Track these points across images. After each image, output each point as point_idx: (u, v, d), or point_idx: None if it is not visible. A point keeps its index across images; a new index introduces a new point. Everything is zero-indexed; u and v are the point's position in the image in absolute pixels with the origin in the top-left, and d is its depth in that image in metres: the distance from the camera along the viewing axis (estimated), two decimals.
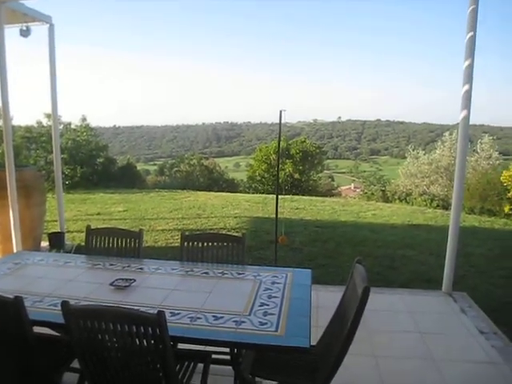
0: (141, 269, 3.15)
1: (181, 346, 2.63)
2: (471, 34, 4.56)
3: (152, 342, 2.00)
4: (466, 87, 4.62)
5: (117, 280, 2.79)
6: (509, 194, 13.45)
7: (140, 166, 36.46)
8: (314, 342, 2.71)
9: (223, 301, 2.56)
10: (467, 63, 4.60)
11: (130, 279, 2.82)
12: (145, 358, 2.08)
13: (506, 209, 13.33)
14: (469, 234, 8.78)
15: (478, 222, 11.14)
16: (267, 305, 2.46)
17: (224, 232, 7.94)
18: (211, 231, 8.13)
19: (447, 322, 4.35)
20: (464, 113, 4.68)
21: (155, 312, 1.95)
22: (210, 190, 18.55)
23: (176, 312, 2.34)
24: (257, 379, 2.69)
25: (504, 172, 13.86)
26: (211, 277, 2.96)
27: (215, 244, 3.49)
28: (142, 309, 2.26)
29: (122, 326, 2.00)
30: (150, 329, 1.98)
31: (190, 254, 3.48)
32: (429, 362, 3.54)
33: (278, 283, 2.80)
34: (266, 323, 2.23)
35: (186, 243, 3.50)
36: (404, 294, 5.05)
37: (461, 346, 3.86)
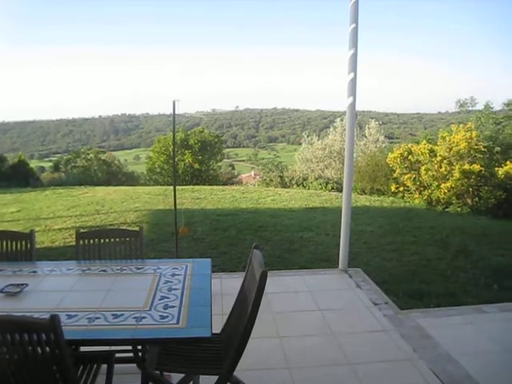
0: (34, 272, 2.95)
1: (84, 348, 2.53)
2: (353, 25, 4.83)
3: (47, 348, 1.90)
4: (351, 75, 4.89)
5: (7, 286, 2.60)
6: (394, 175, 14.51)
7: (34, 163, 34.32)
8: (219, 330, 2.75)
9: (122, 298, 2.49)
10: (351, 53, 4.87)
11: (22, 284, 2.64)
12: (41, 366, 1.97)
13: (393, 188, 14.38)
14: (361, 213, 9.38)
15: (368, 202, 11.92)
16: (168, 298, 2.44)
17: (125, 227, 7.73)
18: (111, 227, 7.86)
19: (344, 298, 4.62)
20: (350, 99, 4.96)
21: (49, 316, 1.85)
22: (108, 185, 17.94)
23: (73, 314, 2.23)
24: (165, 373, 2.67)
25: (390, 154, 14.90)
26: (109, 274, 2.86)
27: (112, 240, 3.37)
28: (36, 314, 2.13)
29: (13, 335, 1.87)
30: (43, 335, 1.87)
31: (86, 252, 3.33)
32: (329, 337, 3.74)
33: (178, 275, 2.78)
34: (166, 316, 2.21)
35: (81, 241, 3.34)
36: (304, 274, 5.27)
37: (357, 319, 4.13)
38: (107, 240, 3.37)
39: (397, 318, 4.12)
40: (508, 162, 12.38)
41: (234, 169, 52.86)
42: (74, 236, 3.34)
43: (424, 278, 5.33)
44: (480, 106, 14.65)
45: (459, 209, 12.26)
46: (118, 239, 3.37)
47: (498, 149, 13.19)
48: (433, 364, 3.31)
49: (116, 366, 2.55)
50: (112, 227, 7.77)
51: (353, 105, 4.98)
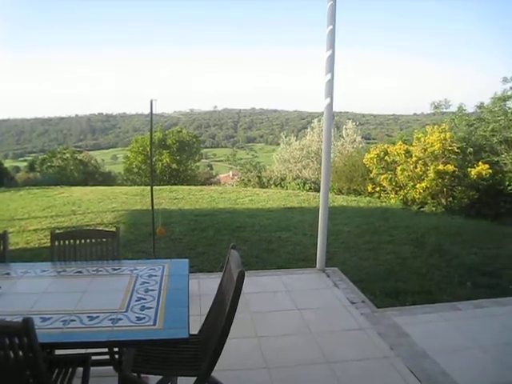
0: (7, 274, 2.88)
1: (59, 351, 2.49)
2: (331, 27, 4.86)
3: (20, 352, 1.86)
4: (329, 76, 4.93)
5: None
6: (371, 175, 14.68)
7: (8, 163, 33.52)
8: (197, 331, 2.74)
9: (98, 299, 2.45)
10: (328, 54, 4.90)
11: None
12: (14, 371, 1.92)
13: (369, 188, 14.55)
14: (338, 213, 9.45)
15: (345, 202, 12.02)
16: (144, 299, 2.41)
17: (102, 227, 7.64)
18: (88, 227, 7.76)
19: (322, 297, 4.65)
20: (328, 100, 4.99)
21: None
22: (85, 185, 17.72)
23: (47, 317, 2.18)
24: (142, 375, 2.64)
25: (366, 155, 15.07)
26: (85, 275, 2.82)
27: (88, 241, 3.32)
28: (9, 318, 2.08)
29: None
30: (16, 339, 1.83)
31: (61, 253, 3.27)
32: (307, 336, 3.76)
33: (155, 276, 2.75)
34: (143, 318, 2.19)
35: (56, 242, 3.28)
36: (282, 274, 5.28)
37: (335, 318, 4.16)
38: (83, 241, 3.31)
39: (374, 316, 4.17)
40: (480, 163, 12.65)
41: (212, 169, 52.78)
42: (49, 237, 3.27)
43: (400, 276, 5.41)
44: (454, 108, 14.92)
45: (434, 208, 12.47)
46: (94, 240, 3.32)
47: (470, 150, 13.46)
48: (409, 361, 3.35)
49: (92, 368, 2.51)
50: (88, 228, 7.66)
51: (330, 105, 5.02)
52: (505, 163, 12.53)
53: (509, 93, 12.91)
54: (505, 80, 12.98)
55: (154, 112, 4.61)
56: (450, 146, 12.96)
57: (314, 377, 3.18)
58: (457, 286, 5.06)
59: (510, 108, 12.96)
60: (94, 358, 2.63)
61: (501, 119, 12.59)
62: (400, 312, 4.28)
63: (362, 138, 25.59)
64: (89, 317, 2.19)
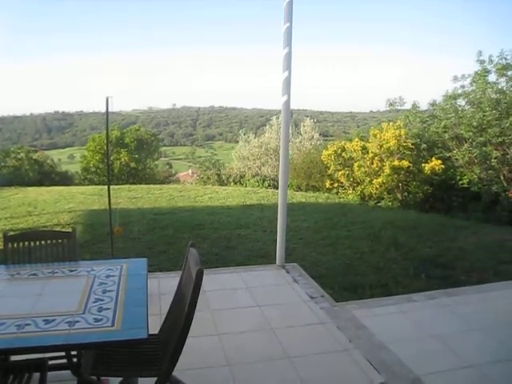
0: None
1: (15, 357, 2.41)
2: (288, 24, 4.88)
3: None
4: (286, 74, 4.96)
5: None
6: (329, 171, 14.92)
7: None
8: (157, 331, 2.71)
9: (54, 302, 2.39)
10: (286, 51, 4.93)
11: None
12: None
13: (327, 184, 14.80)
14: (297, 209, 9.56)
15: (304, 198, 12.17)
16: (102, 300, 2.36)
17: (59, 228, 7.44)
18: (44, 229, 7.53)
19: (282, 293, 4.68)
20: (285, 98, 5.02)
21: None
22: (41, 185, 17.19)
23: (0, 322, 2.11)
24: (102, 378, 2.60)
25: (324, 151, 15.32)
26: (40, 278, 2.73)
27: (44, 242, 3.22)
28: None
29: None
30: None
31: (15, 255, 3.16)
32: (268, 332, 3.78)
33: (113, 276, 2.70)
34: (101, 319, 2.14)
35: (10, 244, 3.16)
36: (242, 271, 5.28)
37: (295, 313, 4.20)
38: (38, 242, 3.21)
39: (333, 310, 4.24)
40: (433, 159, 13.08)
41: (171, 167, 52.23)
42: (1, 239, 3.16)
43: (358, 270, 5.53)
44: (408, 106, 15.35)
45: (390, 203, 12.82)
46: (49, 241, 3.22)
47: (424, 146, 13.88)
48: (367, 353, 3.43)
49: (49, 373, 2.44)
50: (43, 229, 7.44)
51: (287, 103, 5.05)
52: (456, 159, 12.99)
53: (459, 91, 13.37)
54: (455, 79, 13.44)
55: (111, 110, 4.51)
56: (405, 142, 13.34)
57: (275, 372, 3.20)
58: (412, 279, 5.22)
59: (460, 106, 13.44)
60: (51, 362, 2.56)
61: (452, 116, 13.03)
62: (358, 305, 4.37)
63: (320, 135, 25.91)
64: (44, 320, 2.12)
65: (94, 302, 2.33)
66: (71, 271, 2.84)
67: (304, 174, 16.56)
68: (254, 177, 19.25)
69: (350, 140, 15.43)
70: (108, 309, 2.25)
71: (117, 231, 4.91)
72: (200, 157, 64.20)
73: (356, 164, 13.93)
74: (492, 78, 12.59)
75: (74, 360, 2.73)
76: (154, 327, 2.64)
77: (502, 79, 12.48)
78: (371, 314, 4.16)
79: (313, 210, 9.85)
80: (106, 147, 25.59)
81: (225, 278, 5.07)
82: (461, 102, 13.49)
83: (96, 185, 19.67)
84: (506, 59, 12.26)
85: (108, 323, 2.11)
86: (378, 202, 13.03)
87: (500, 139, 11.75)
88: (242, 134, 25.90)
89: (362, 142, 14.31)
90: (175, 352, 2.23)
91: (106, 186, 4.89)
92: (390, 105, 15.37)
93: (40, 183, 18.91)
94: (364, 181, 13.77)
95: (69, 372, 2.74)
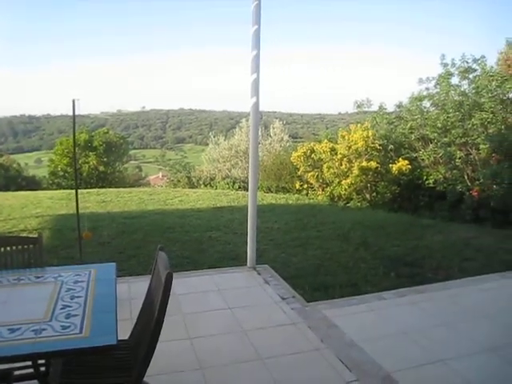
0: None
1: None
2: (256, 27, 4.90)
3: None
4: (254, 76, 4.97)
5: None
6: (299, 173, 15.04)
7: None
8: (127, 336, 2.67)
9: (20, 310, 2.31)
10: (254, 53, 4.94)
11: None
12: None
13: (297, 185, 14.91)
14: (267, 211, 9.59)
15: (274, 200, 12.22)
16: (70, 306, 2.30)
17: (25, 234, 7.25)
18: (10, 234, 7.32)
19: (253, 294, 4.69)
20: (254, 99, 5.03)
21: None
22: (6, 190, 16.77)
23: None
24: None
25: (293, 153, 15.42)
26: (5, 285, 2.65)
27: (8, 248, 3.13)
28: None
29: None
30: None
31: None
32: (240, 334, 3.78)
33: (81, 282, 2.64)
34: (68, 326, 2.09)
35: None
36: (213, 273, 5.26)
37: (266, 314, 4.21)
38: (3, 249, 3.11)
39: (304, 310, 4.26)
40: (400, 159, 13.33)
41: (141, 170, 51.60)
42: None
43: (328, 270, 5.58)
44: (375, 107, 15.59)
45: (359, 204, 13.00)
46: (15, 247, 3.13)
47: (391, 147, 14.13)
48: (339, 352, 3.47)
49: None
50: (10, 235, 7.24)
51: (256, 104, 5.06)
52: (422, 159, 13.26)
53: (424, 93, 13.67)
54: (420, 81, 13.73)
55: (79, 113, 4.44)
56: (373, 143, 13.55)
57: (248, 374, 3.20)
58: (382, 277, 5.31)
59: (425, 107, 13.74)
60: (17, 372, 2.49)
61: (418, 118, 13.30)
62: (329, 305, 4.41)
63: (290, 136, 26.10)
64: (9, 329, 2.05)
65: (62, 309, 2.27)
66: (38, 278, 2.77)
67: (274, 175, 16.63)
68: (224, 179, 19.23)
69: (319, 141, 15.57)
70: (76, 315, 2.20)
71: (85, 236, 4.83)
72: (170, 159, 63.67)
73: (325, 165, 14.07)
74: (455, 80, 12.95)
75: (42, 369, 2.65)
76: (125, 332, 2.60)
77: (464, 82, 12.84)
78: (342, 314, 4.20)
79: (283, 212, 9.90)
80: (73, 150, 25.14)
81: (196, 280, 5.04)
82: (426, 103, 13.78)
83: (64, 189, 19.29)
84: (467, 62, 12.61)
85: (76, 330, 2.06)
86: (347, 203, 13.19)
87: (463, 140, 12.06)
88: (212, 137, 25.85)
89: (331, 144, 14.46)
90: (146, 357, 2.20)
91: (74, 190, 4.80)
92: (358, 106, 15.57)
93: (6, 188, 18.49)
94: (333, 182, 13.92)
95: (36, 382, 2.67)
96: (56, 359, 2.40)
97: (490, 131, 11.70)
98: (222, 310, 4.28)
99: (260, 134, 22.65)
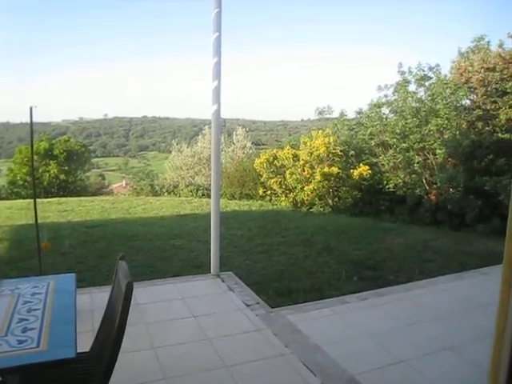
0: None
1: None
2: (217, 34, 4.92)
3: None
4: (216, 83, 4.99)
5: None
6: (262, 179, 15.11)
7: None
8: (89, 348, 2.61)
9: None
10: (215, 61, 4.96)
11: None
12: None
13: (261, 192, 14.99)
14: (231, 217, 9.58)
15: (238, 207, 12.23)
16: (27, 320, 2.22)
17: None
18: None
19: (217, 302, 4.67)
20: (215, 107, 5.05)
21: None
22: None
23: None
24: None
25: (256, 160, 15.50)
26: None
27: None
28: None
29: None
30: None
31: None
32: (205, 342, 3.75)
33: (39, 293, 2.56)
34: (25, 340, 2.02)
35: None
36: (176, 282, 5.21)
37: (231, 321, 4.20)
38: None
39: (268, 316, 4.28)
40: (361, 165, 13.59)
41: (104, 179, 50.56)
42: None
43: (292, 276, 5.62)
44: (336, 114, 15.86)
45: (322, 209, 13.17)
46: None
47: (352, 152, 14.39)
48: (303, 356, 3.50)
49: None
50: None
51: (218, 112, 5.08)
52: (382, 164, 13.55)
53: (383, 100, 14.00)
54: (379, 88, 14.06)
55: (39, 121, 4.35)
56: (334, 149, 13.77)
57: (214, 382, 3.19)
58: (345, 281, 5.39)
59: (384, 114, 14.06)
60: None
61: (377, 124, 13.60)
62: (293, 310, 4.44)
63: (253, 143, 26.25)
64: None
65: (18, 323, 2.20)
66: None
67: (237, 182, 16.65)
68: (187, 186, 19.11)
69: (282, 148, 15.70)
70: (33, 329, 2.13)
71: (45, 246, 4.71)
72: (133, 167, 62.74)
73: (288, 171, 14.19)
74: (412, 87, 13.32)
75: None
76: (87, 344, 2.55)
77: (421, 89, 13.23)
78: (306, 318, 4.24)
79: (246, 218, 9.92)
80: (31, 159, 24.47)
81: (160, 289, 4.99)
82: (385, 110, 14.11)
83: (24, 199, 18.68)
84: (423, 71, 13.03)
85: (33, 344, 1.99)
86: (310, 208, 13.33)
87: (421, 145, 12.40)
88: (175, 144, 25.71)
89: (293, 150, 14.60)
90: (108, 369, 2.15)
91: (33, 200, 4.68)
92: (319, 113, 15.80)
93: None
94: (296, 188, 14.04)
95: None
96: (13, 375, 2.32)
97: (446, 137, 12.09)
98: (186, 318, 4.25)
99: (223, 141, 22.65)
